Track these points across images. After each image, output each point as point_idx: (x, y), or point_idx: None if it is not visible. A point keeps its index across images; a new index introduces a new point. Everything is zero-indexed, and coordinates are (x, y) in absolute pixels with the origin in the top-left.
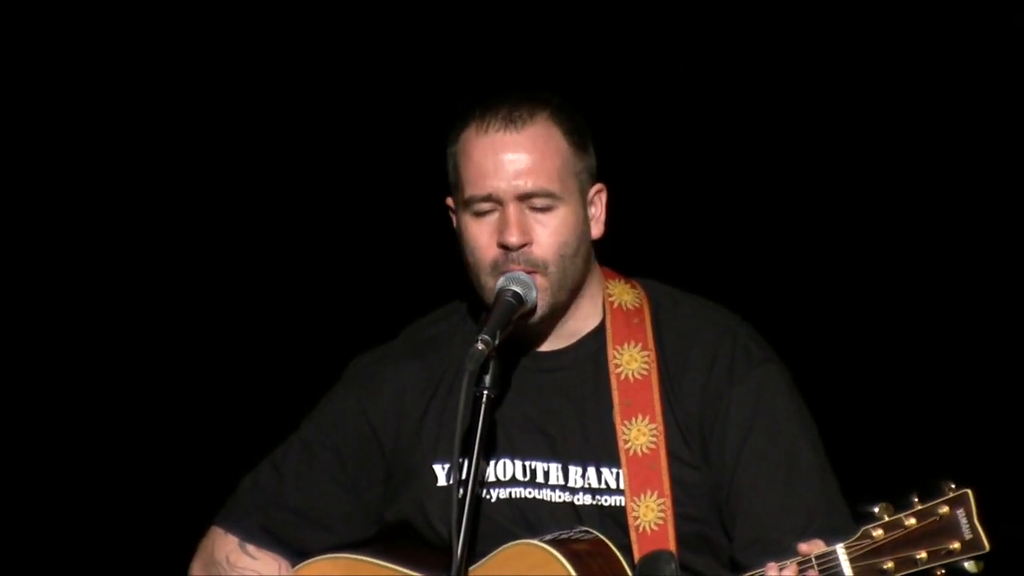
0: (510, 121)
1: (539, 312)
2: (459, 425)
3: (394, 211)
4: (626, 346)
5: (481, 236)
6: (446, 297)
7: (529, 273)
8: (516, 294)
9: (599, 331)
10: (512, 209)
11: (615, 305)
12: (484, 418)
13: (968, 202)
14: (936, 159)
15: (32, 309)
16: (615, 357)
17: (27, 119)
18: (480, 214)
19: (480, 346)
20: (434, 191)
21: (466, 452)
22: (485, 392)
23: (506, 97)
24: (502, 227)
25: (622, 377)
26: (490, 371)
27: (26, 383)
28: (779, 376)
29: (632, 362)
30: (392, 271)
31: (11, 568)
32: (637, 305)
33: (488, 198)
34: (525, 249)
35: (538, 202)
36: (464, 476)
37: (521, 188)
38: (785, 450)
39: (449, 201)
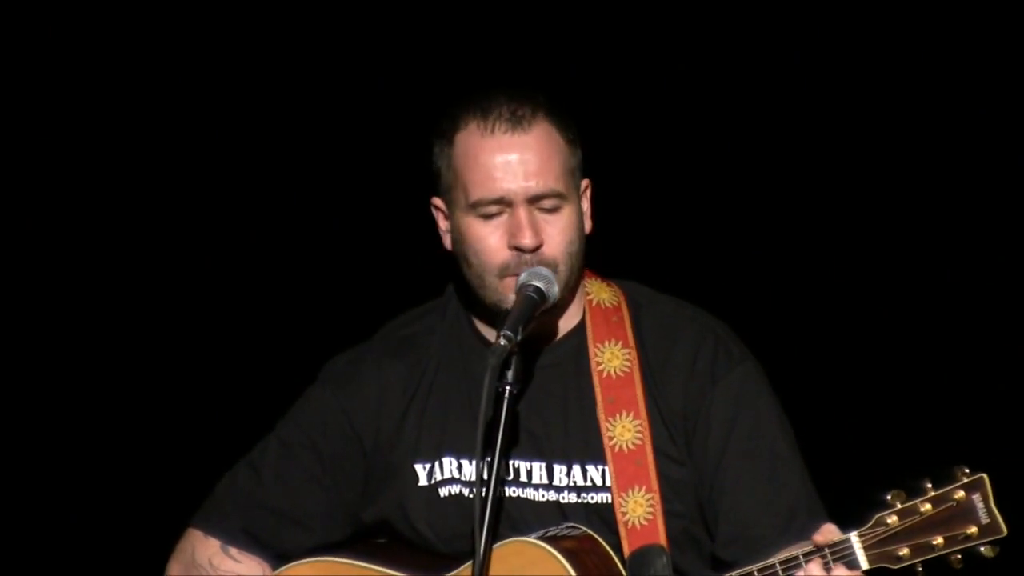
0: (516, 123)
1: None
2: (482, 419)
3: (367, 215)
4: (607, 344)
5: (490, 238)
6: (420, 296)
7: None
8: (538, 289)
9: (579, 329)
10: (523, 211)
11: (594, 304)
12: (507, 413)
13: (969, 185)
14: (930, 150)
15: (26, 302)
16: (596, 355)
17: (27, 119)
18: (488, 216)
19: (503, 341)
20: (407, 194)
21: (489, 448)
22: (508, 387)
23: (500, 97)
24: (514, 230)
25: (604, 374)
26: (512, 366)
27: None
28: (758, 374)
29: (614, 359)
30: (363, 272)
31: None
32: (615, 303)
33: (499, 201)
34: (537, 250)
35: (547, 203)
36: (488, 471)
37: (532, 190)
38: (767, 448)
39: (437, 202)
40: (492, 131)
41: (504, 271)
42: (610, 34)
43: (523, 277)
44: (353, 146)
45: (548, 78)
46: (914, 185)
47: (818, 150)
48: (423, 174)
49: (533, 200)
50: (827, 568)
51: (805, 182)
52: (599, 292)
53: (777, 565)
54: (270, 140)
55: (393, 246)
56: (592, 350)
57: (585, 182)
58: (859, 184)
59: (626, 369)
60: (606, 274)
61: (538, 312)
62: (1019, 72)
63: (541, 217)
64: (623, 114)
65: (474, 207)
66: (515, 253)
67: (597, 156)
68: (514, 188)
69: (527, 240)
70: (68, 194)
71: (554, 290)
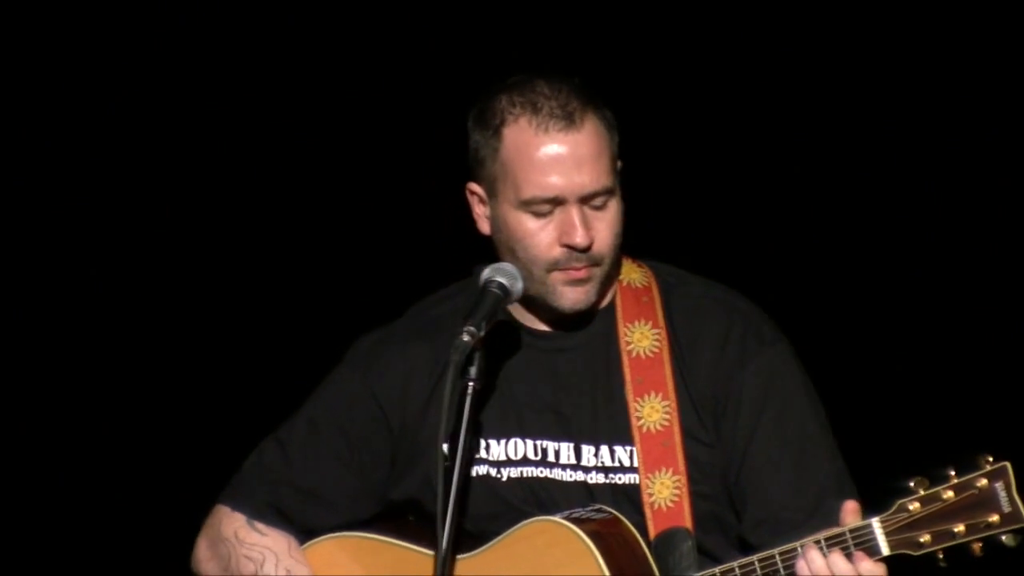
0: (569, 120)
1: (586, 300)
2: (444, 415)
3: (392, 195)
4: (636, 324)
5: (540, 234)
6: (446, 278)
7: (588, 268)
8: (501, 285)
9: (609, 310)
10: (575, 210)
11: (624, 284)
12: (469, 409)
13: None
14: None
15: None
16: (626, 335)
17: (27, 119)
18: (541, 214)
19: (466, 337)
20: (433, 174)
21: (452, 442)
22: (471, 384)
23: (543, 87)
24: (568, 228)
25: (633, 355)
26: (475, 362)
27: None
28: (789, 356)
29: (643, 339)
30: (390, 253)
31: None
32: (645, 284)
33: (553, 200)
34: (589, 248)
35: (598, 200)
36: (447, 466)
37: (587, 188)
38: (796, 430)
39: (475, 187)
40: (547, 129)
41: (554, 266)
42: (634, 22)
43: (487, 273)
44: (379, 128)
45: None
46: (944, 171)
47: (845, 135)
48: (448, 157)
49: (586, 199)
50: (848, 554)
51: (842, 167)
52: (629, 273)
53: (799, 548)
54: (293, 124)
55: (419, 225)
56: (622, 330)
57: (619, 164)
58: (893, 175)
59: (655, 349)
60: (638, 255)
61: (502, 306)
62: (1019, 72)
63: (591, 214)
64: (650, 97)
65: (527, 204)
66: (566, 250)
67: (628, 139)
68: (569, 187)
69: (581, 240)
70: (84, 194)
71: (518, 286)
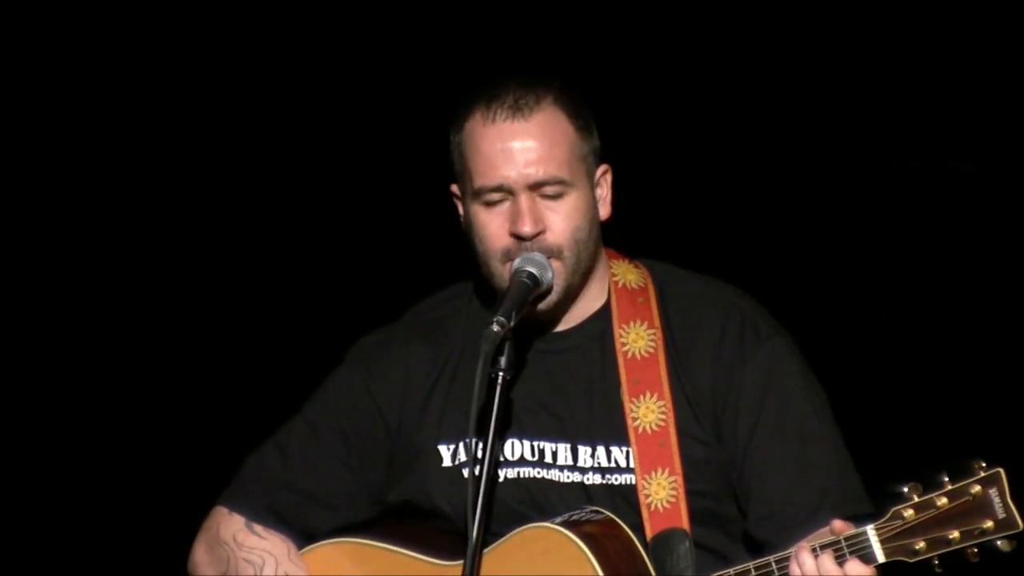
0: (517, 110)
1: (554, 296)
2: (475, 405)
3: (392, 196)
4: (632, 324)
5: (492, 225)
6: (445, 280)
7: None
8: (531, 275)
9: (604, 311)
10: (524, 198)
11: (620, 285)
12: (500, 399)
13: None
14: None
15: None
16: (621, 336)
17: (27, 119)
18: (491, 204)
19: (496, 327)
20: (430, 174)
21: (481, 433)
22: (501, 373)
23: (509, 84)
24: (515, 217)
25: (629, 355)
26: (505, 352)
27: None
28: (788, 349)
29: (639, 340)
30: (390, 254)
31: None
32: (642, 285)
33: (499, 188)
34: (539, 237)
35: (549, 190)
36: (480, 456)
37: (532, 177)
38: (798, 424)
39: (454, 188)
40: (494, 119)
41: (506, 256)
42: (634, 21)
43: (517, 263)
44: (378, 130)
45: (570, 65)
46: (935, 167)
47: (846, 134)
48: (448, 159)
49: (535, 187)
50: (841, 561)
51: (837, 164)
52: (626, 274)
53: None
54: (292, 127)
55: (421, 227)
56: (617, 331)
57: (603, 168)
58: (888, 172)
59: (651, 350)
60: (638, 255)
61: (532, 297)
62: (1019, 72)
63: (544, 204)
64: (654, 97)
65: (477, 194)
66: (515, 240)
67: (628, 138)
68: (513, 175)
69: (525, 228)
70: (79, 194)
71: (548, 276)
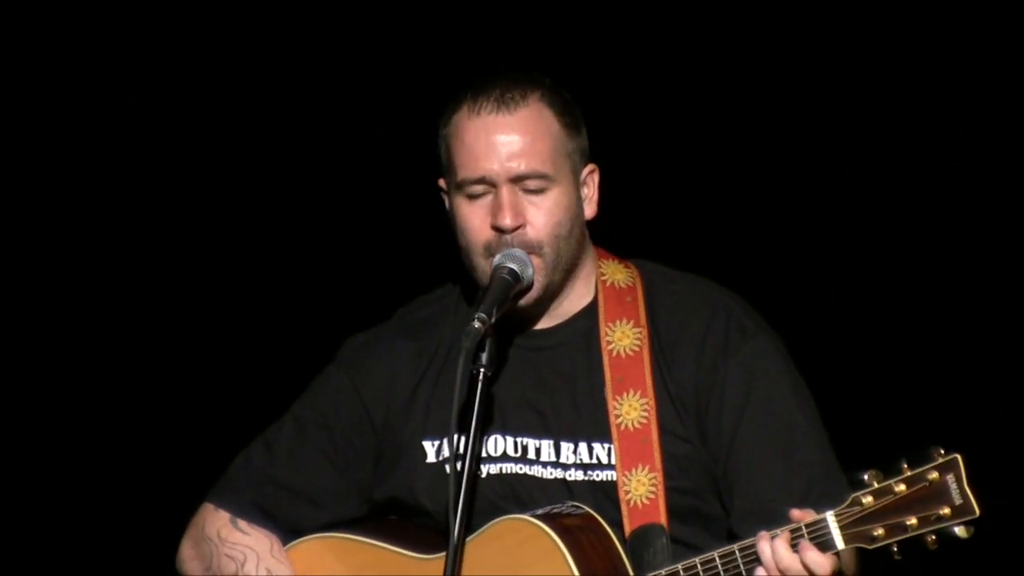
0: (502, 103)
1: (534, 292)
2: (456, 401)
3: (383, 195)
4: (618, 323)
5: (474, 218)
6: (437, 279)
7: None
8: (512, 271)
9: (591, 309)
10: (505, 191)
11: (608, 284)
12: (481, 395)
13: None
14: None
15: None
16: (607, 334)
17: (27, 119)
18: (473, 196)
19: (476, 324)
20: (423, 174)
21: (462, 429)
22: (482, 370)
23: (497, 79)
24: (495, 210)
25: (614, 353)
26: (487, 349)
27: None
28: (773, 347)
29: (624, 338)
30: (381, 254)
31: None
32: (630, 284)
33: (481, 180)
34: (519, 231)
35: (531, 184)
36: (460, 452)
37: (514, 170)
38: (782, 421)
39: (441, 183)
40: (479, 112)
41: (488, 251)
42: (625, 19)
43: (498, 259)
44: (371, 127)
45: (563, 64)
46: (920, 163)
47: (839, 132)
48: (437, 159)
49: (516, 180)
50: (793, 546)
51: (824, 165)
52: (614, 273)
53: (737, 552)
54: (282, 127)
55: (414, 226)
56: (603, 330)
57: (590, 167)
58: (866, 176)
59: (636, 348)
60: (626, 255)
61: (512, 293)
62: (1019, 72)
63: (525, 198)
64: (645, 98)
65: (460, 187)
66: (496, 234)
67: (620, 138)
68: (495, 168)
69: (506, 221)
70: (74, 194)
71: (529, 272)
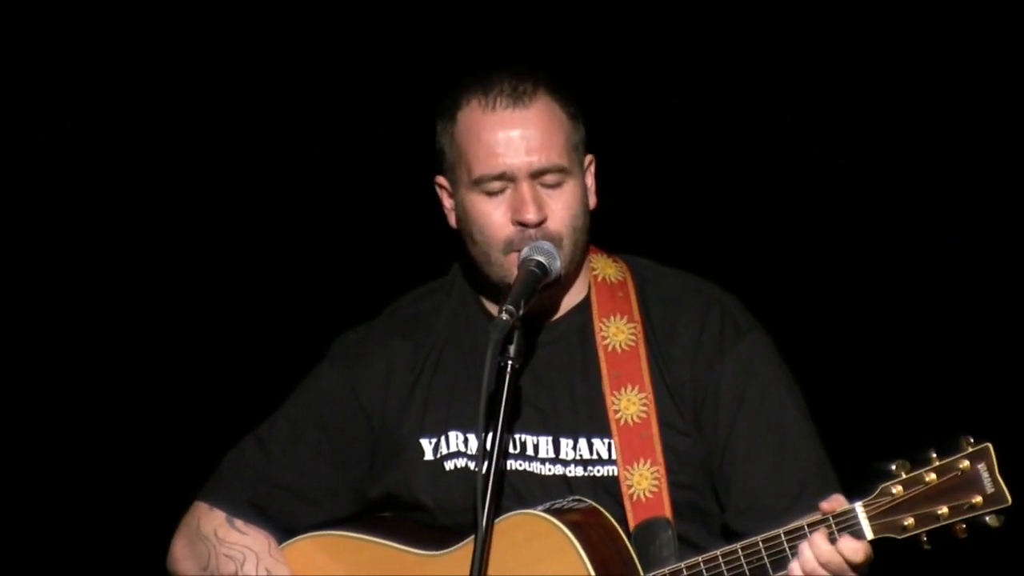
0: (517, 98)
1: (557, 285)
2: (484, 394)
3: (372, 193)
4: (612, 318)
5: (494, 214)
6: (424, 275)
7: None
8: (540, 264)
9: (584, 305)
10: (526, 186)
11: (599, 279)
12: (509, 388)
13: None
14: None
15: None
16: (601, 329)
17: (27, 119)
18: (491, 193)
19: (505, 316)
20: (412, 172)
21: (490, 422)
22: (510, 362)
23: (502, 73)
24: (518, 205)
25: (609, 348)
26: (514, 341)
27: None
28: (766, 345)
29: (619, 334)
30: (370, 251)
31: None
32: (620, 279)
33: (501, 176)
34: (541, 226)
35: (550, 178)
36: (489, 448)
37: (535, 164)
38: (776, 418)
39: (441, 180)
40: (493, 107)
41: (509, 247)
42: (618, 12)
43: (525, 252)
44: (358, 126)
45: (555, 54)
46: (917, 162)
47: (832, 128)
48: (427, 154)
49: (536, 175)
50: (832, 539)
51: (815, 160)
52: (605, 268)
53: (782, 536)
54: (277, 120)
55: (399, 224)
56: (597, 325)
57: (589, 158)
58: (860, 169)
59: (631, 343)
60: (614, 250)
61: (540, 286)
62: (1019, 72)
63: (544, 192)
64: (632, 90)
65: (477, 183)
66: (519, 228)
67: (605, 132)
68: (516, 163)
69: (531, 215)
70: (70, 194)
71: (556, 264)
